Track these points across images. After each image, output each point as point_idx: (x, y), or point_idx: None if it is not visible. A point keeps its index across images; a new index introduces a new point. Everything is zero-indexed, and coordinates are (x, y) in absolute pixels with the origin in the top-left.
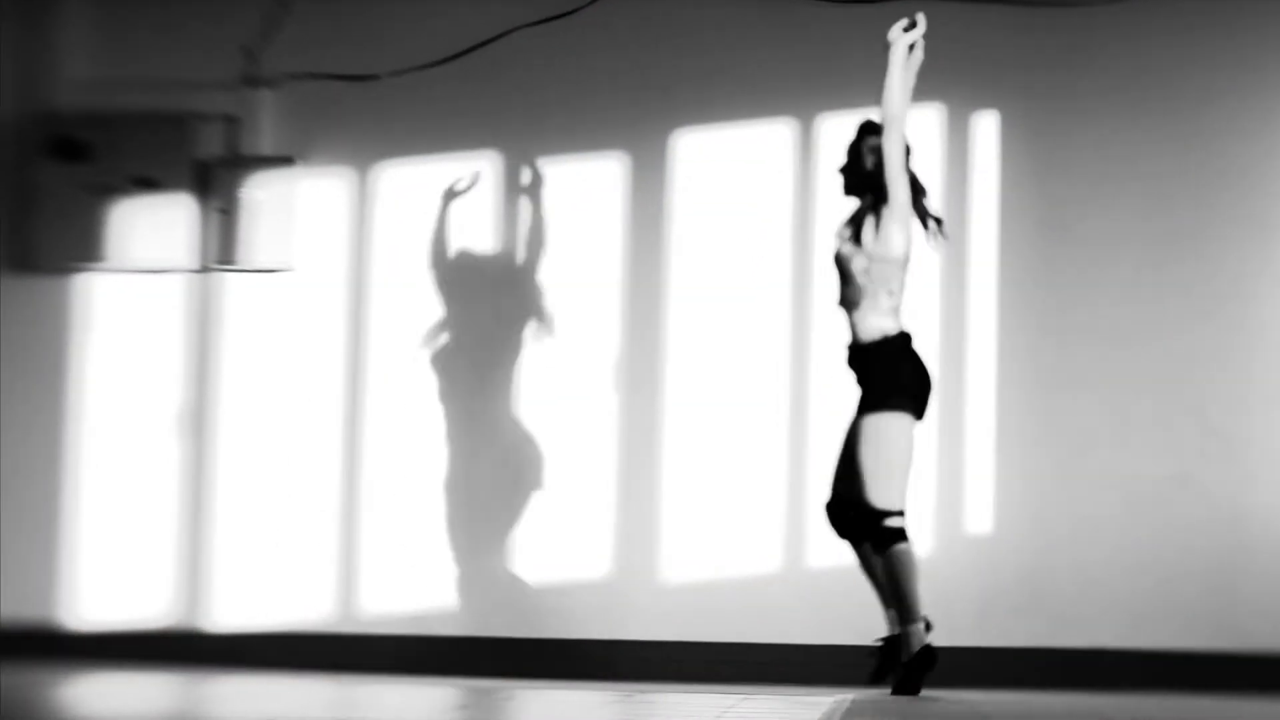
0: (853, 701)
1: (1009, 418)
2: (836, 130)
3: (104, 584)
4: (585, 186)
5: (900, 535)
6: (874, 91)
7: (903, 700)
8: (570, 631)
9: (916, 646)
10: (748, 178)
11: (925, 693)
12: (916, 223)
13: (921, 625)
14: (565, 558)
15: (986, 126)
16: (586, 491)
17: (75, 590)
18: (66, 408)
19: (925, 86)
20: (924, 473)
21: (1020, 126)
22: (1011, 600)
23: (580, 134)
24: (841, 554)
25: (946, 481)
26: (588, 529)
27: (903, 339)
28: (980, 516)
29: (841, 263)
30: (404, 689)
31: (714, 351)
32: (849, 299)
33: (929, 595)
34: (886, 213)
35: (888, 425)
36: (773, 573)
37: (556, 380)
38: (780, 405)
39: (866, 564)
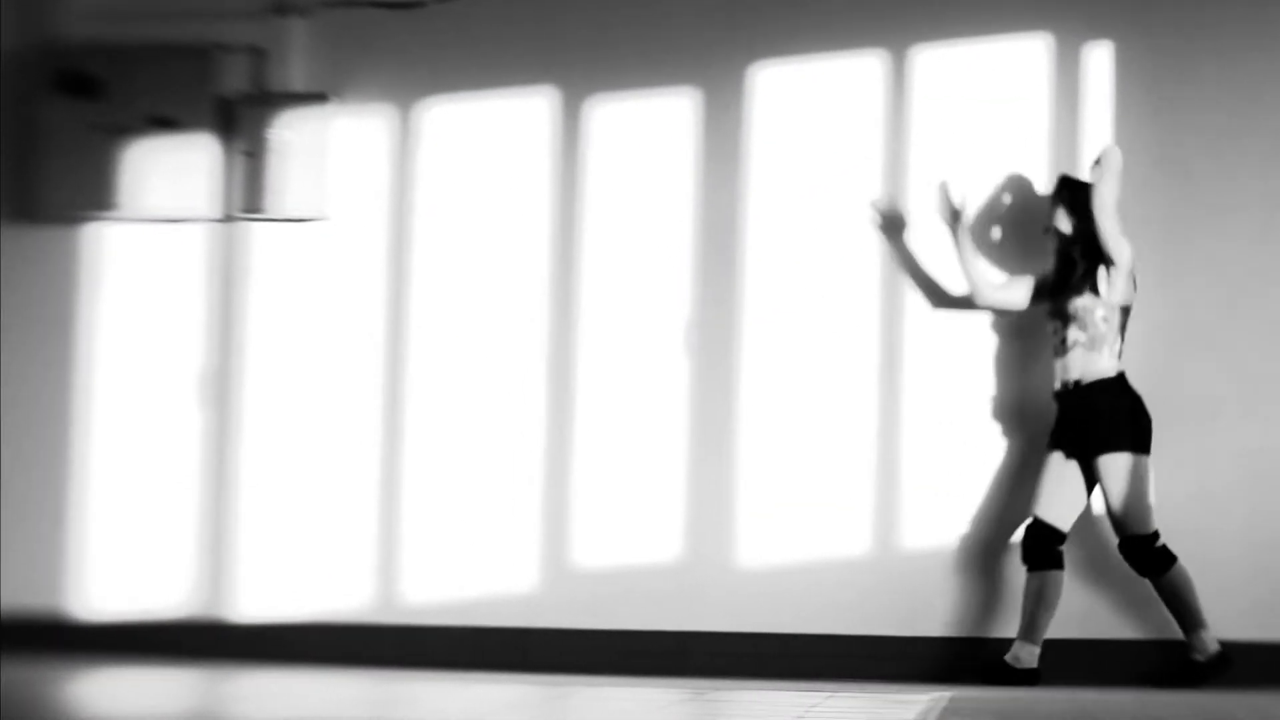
0: (951, 699)
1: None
2: (932, 63)
3: (116, 570)
4: (652, 127)
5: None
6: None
7: (1003, 699)
8: (637, 622)
9: (1210, 650)
10: (833, 117)
11: (1029, 690)
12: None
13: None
14: (632, 541)
15: (1099, 59)
16: (655, 467)
17: (84, 577)
18: (74, 374)
19: (1031, 15)
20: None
21: (1136, 59)
22: (1125, 587)
23: (646, 67)
24: (935, 540)
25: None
26: (657, 509)
27: (1123, 380)
28: (1095, 495)
29: (1079, 311)
30: (449, 687)
31: (797, 312)
32: (1079, 342)
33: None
34: (1114, 269)
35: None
36: (860, 559)
37: (620, 343)
38: (871, 372)
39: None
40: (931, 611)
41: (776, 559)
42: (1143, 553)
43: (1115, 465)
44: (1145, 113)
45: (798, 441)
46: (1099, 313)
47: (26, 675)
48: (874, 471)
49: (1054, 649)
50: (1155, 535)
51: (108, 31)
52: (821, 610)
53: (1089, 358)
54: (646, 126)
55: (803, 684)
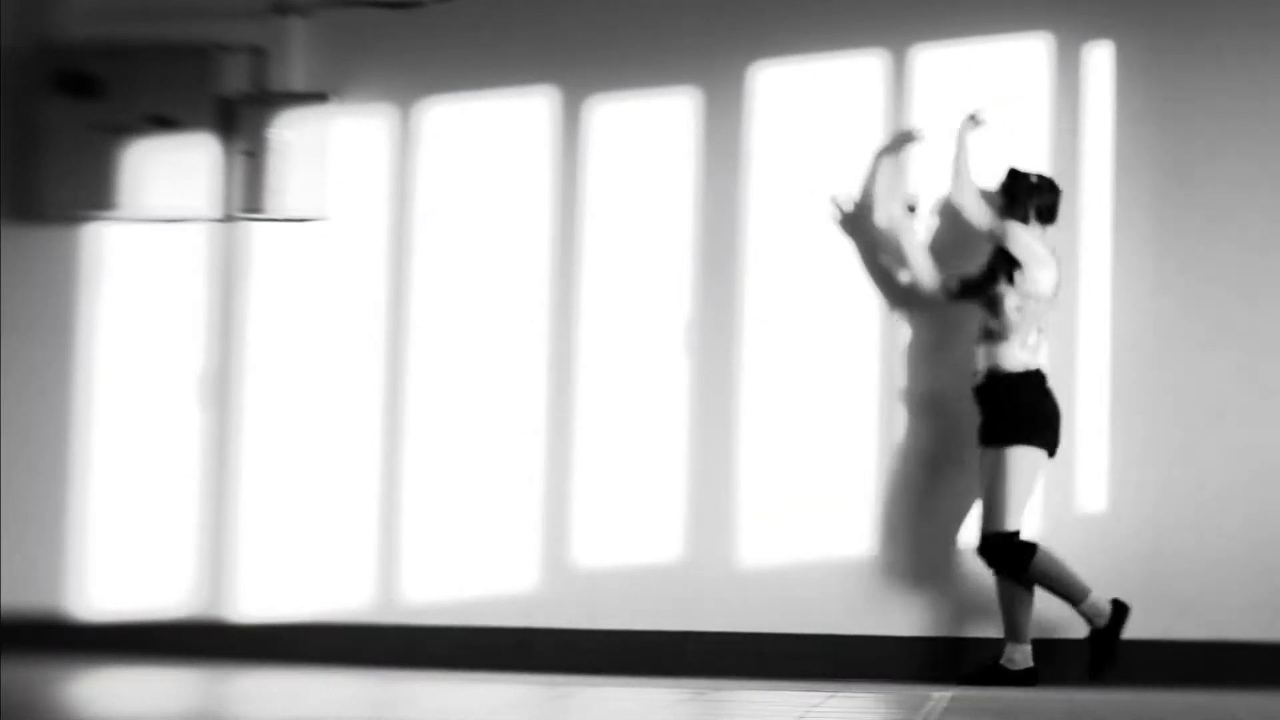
0: (951, 699)
1: (1125, 383)
2: (933, 63)
3: (116, 570)
4: (652, 127)
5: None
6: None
7: (1003, 699)
8: (637, 622)
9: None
10: (833, 117)
11: (1031, 690)
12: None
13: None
14: (632, 540)
15: (1099, 59)
16: (655, 467)
17: (85, 577)
18: (74, 374)
19: (1031, 15)
20: None
21: (1136, 59)
22: (1128, 587)
23: (646, 67)
24: (935, 539)
25: (1056, 455)
26: (657, 509)
27: (1040, 376)
28: (1094, 494)
29: (995, 299)
30: (449, 687)
31: (798, 312)
32: (992, 331)
33: None
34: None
35: (1011, 458)
36: (861, 559)
37: (620, 343)
38: (872, 372)
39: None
40: (932, 611)
41: (776, 559)
42: (997, 551)
43: (988, 459)
44: (1145, 113)
45: (798, 441)
46: (1011, 302)
47: (26, 675)
48: (874, 472)
49: (1055, 649)
50: (1012, 535)
51: (108, 31)
52: (821, 610)
53: (997, 348)
54: (646, 126)
55: (803, 684)
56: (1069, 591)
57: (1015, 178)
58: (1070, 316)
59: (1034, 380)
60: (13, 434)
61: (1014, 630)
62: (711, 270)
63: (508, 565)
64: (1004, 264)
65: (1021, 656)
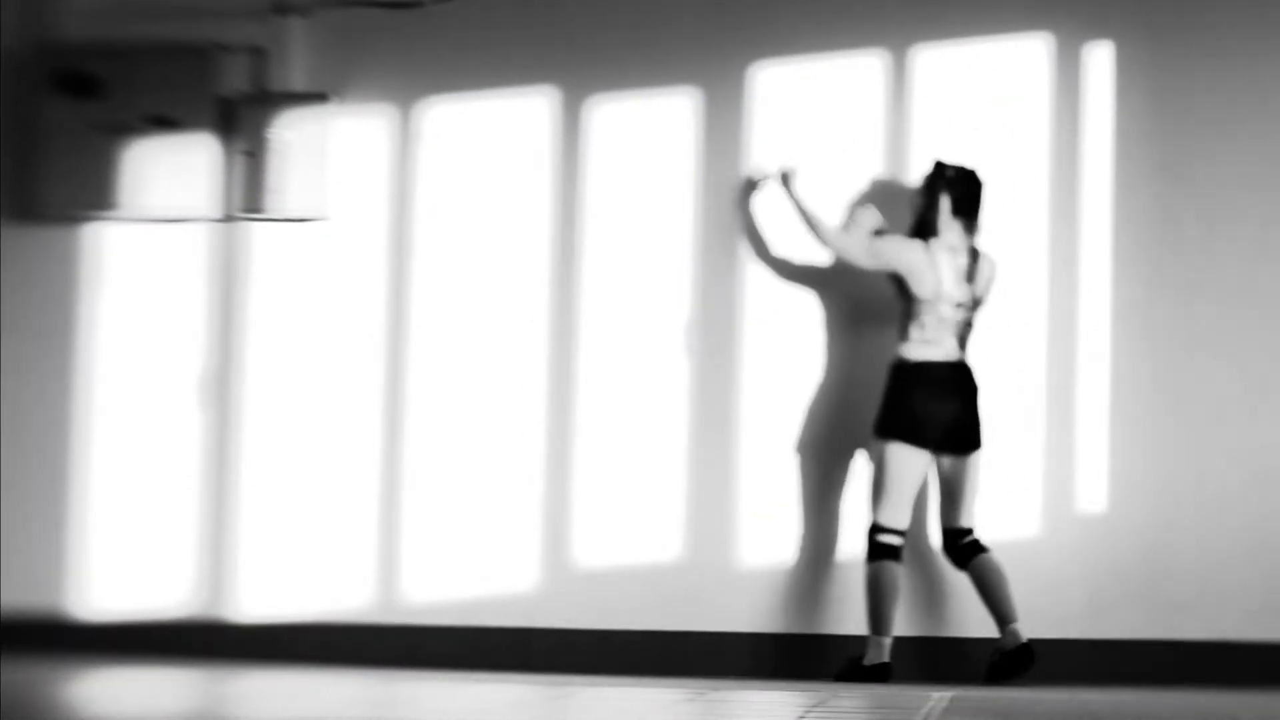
0: (951, 699)
1: (1124, 384)
2: (932, 63)
3: (117, 570)
4: (652, 127)
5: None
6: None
7: (1003, 699)
8: (637, 622)
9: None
10: (833, 117)
11: (1032, 690)
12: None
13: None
14: (633, 541)
15: (1100, 59)
16: (656, 468)
17: (85, 577)
18: (75, 373)
19: (1031, 15)
20: (1031, 446)
21: (1137, 60)
22: (1128, 587)
23: (646, 67)
24: (936, 539)
25: (1055, 456)
26: (657, 509)
27: (927, 369)
28: (1093, 494)
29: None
30: (449, 687)
31: (798, 312)
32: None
33: (1036, 580)
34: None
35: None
36: (859, 559)
37: (621, 343)
38: (871, 373)
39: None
40: (932, 612)
41: (776, 559)
42: (867, 536)
43: (874, 450)
44: (1145, 113)
45: (800, 441)
46: (900, 302)
47: (26, 675)
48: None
49: (1054, 649)
50: (880, 528)
51: (108, 31)
52: (821, 610)
53: (899, 341)
54: (646, 126)
55: (803, 684)
56: (874, 621)
57: (936, 169)
58: (1070, 316)
59: (913, 373)
60: (13, 434)
61: (872, 622)
62: (711, 270)
63: (508, 565)
64: (890, 277)
65: (876, 651)
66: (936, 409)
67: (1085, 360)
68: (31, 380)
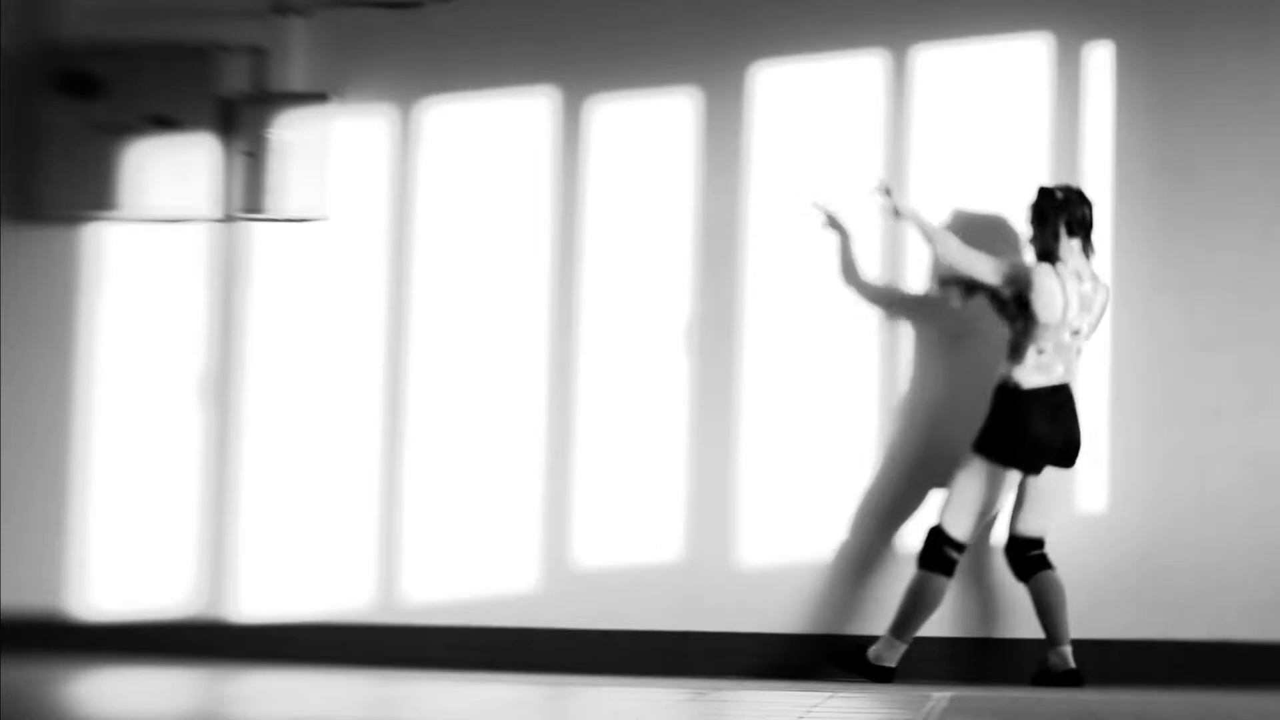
0: (951, 699)
1: (1125, 383)
2: (932, 63)
3: (117, 570)
4: (652, 127)
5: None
6: (974, 20)
7: (1003, 699)
8: (637, 622)
9: (886, 663)
10: (833, 117)
11: (1032, 690)
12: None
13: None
14: (633, 541)
15: (1100, 59)
16: (655, 467)
17: (85, 577)
18: (75, 374)
19: (1031, 15)
20: None
21: (1136, 59)
22: (1128, 587)
23: (646, 67)
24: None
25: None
26: (657, 509)
27: (1033, 396)
28: (1093, 494)
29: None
30: (449, 686)
31: (798, 313)
32: (1010, 346)
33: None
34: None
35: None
36: (861, 559)
37: (621, 343)
38: (872, 372)
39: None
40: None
41: (776, 559)
42: (929, 543)
43: (966, 462)
44: (1145, 113)
45: (799, 442)
46: (1016, 325)
47: (26, 675)
48: (874, 470)
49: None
50: (947, 537)
51: (108, 31)
52: (821, 610)
53: (1007, 362)
54: (646, 126)
55: (803, 684)
56: (903, 625)
57: (1042, 195)
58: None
59: (1023, 399)
60: (13, 434)
61: (899, 624)
62: (711, 270)
63: (508, 565)
64: (1013, 299)
65: (890, 654)
66: (1049, 434)
67: (1084, 360)
68: (31, 380)
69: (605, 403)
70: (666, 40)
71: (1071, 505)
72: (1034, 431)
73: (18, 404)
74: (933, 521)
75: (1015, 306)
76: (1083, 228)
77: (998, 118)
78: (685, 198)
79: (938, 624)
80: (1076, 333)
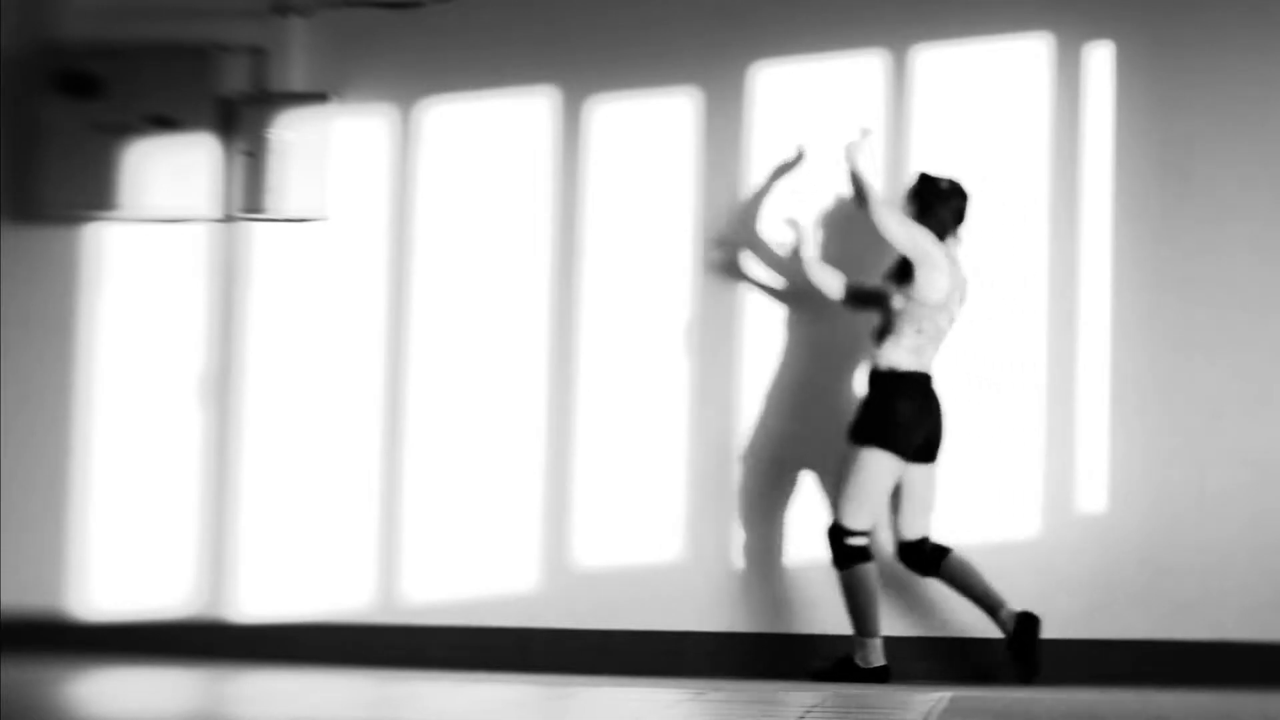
0: (951, 699)
1: (1125, 384)
2: (933, 63)
3: (117, 569)
4: (652, 127)
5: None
6: (974, 20)
7: (1003, 699)
8: (637, 622)
9: (871, 662)
10: (833, 117)
11: (1032, 690)
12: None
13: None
14: (632, 541)
15: (1100, 59)
16: (655, 467)
17: (85, 576)
18: (75, 373)
19: (1031, 15)
20: (1031, 446)
21: (1136, 59)
22: (1128, 587)
23: (646, 67)
24: (936, 539)
25: (1056, 455)
26: (657, 509)
27: (910, 379)
28: (1093, 494)
29: (887, 298)
30: (449, 686)
31: (797, 313)
32: (877, 329)
33: (1036, 580)
34: (916, 263)
35: (866, 459)
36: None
37: (621, 343)
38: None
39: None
40: (929, 613)
41: (775, 559)
42: (833, 544)
43: (850, 455)
44: (1145, 113)
45: (798, 441)
46: (896, 303)
47: (26, 675)
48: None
49: (1054, 649)
50: (850, 532)
51: (108, 31)
52: (820, 610)
53: (877, 347)
54: (646, 126)
55: (802, 684)
56: (862, 623)
57: (926, 183)
58: (1070, 316)
59: (902, 383)
60: (13, 434)
61: (859, 625)
62: (711, 271)
63: (508, 565)
64: (899, 267)
65: (873, 654)
66: (924, 420)
67: (1084, 360)
68: (31, 380)
69: (605, 403)
70: (666, 40)
71: (1072, 505)
72: (907, 414)
73: (18, 404)
74: (829, 522)
75: (891, 285)
76: (959, 221)
77: (998, 118)
78: (685, 198)
79: (938, 624)
80: (952, 320)
